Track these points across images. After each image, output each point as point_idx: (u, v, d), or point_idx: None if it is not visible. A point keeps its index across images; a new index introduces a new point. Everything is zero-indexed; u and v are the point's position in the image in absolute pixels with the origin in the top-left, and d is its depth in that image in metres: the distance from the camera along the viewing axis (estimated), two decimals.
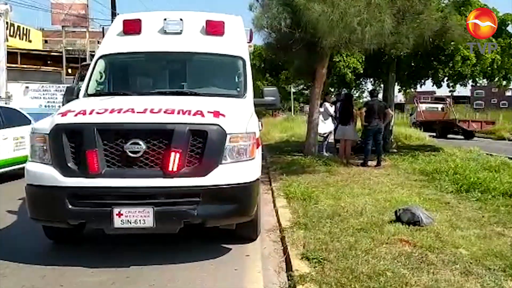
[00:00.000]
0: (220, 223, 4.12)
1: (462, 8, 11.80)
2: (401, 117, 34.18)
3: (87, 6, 22.22)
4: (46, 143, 3.76)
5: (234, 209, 3.82)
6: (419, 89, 17.06)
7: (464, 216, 5.33)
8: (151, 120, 3.75)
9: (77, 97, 4.86)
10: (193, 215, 3.65)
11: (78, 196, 3.66)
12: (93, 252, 4.27)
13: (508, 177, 7.34)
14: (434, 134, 22.03)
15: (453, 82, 13.62)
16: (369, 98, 10.75)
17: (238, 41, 5.38)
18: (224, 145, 3.75)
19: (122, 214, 3.56)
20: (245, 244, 4.44)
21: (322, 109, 11.43)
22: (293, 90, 36.68)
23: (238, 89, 4.99)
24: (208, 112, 3.87)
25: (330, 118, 11.80)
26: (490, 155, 11.25)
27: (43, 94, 17.15)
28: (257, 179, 4.09)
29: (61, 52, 20.75)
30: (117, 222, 3.57)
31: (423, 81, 14.45)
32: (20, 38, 21.57)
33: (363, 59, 14.10)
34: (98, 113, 3.84)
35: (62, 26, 22.11)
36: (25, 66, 18.65)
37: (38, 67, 19.61)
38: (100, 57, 5.21)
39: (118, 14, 13.13)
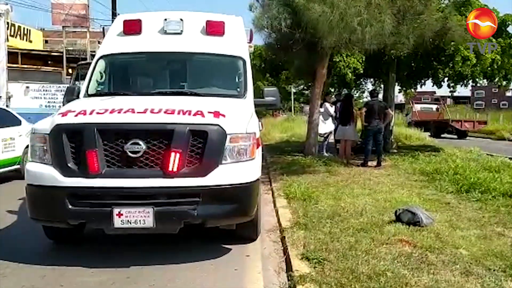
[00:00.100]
0: (220, 223, 4.12)
1: (462, 8, 11.80)
2: (401, 117, 34.27)
3: (88, 6, 22.21)
4: (47, 143, 3.76)
5: (234, 209, 3.82)
6: (419, 89, 17.06)
7: (464, 216, 5.33)
8: (151, 120, 3.75)
9: (78, 97, 4.86)
10: (193, 215, 3.65)
11: (78, 196, 3.67)
12: (93, 252, 4.28)
13: (509, 178, 7.33)
14: (429, 133, 22.30)
15: (454, 83, 13.62)
16: (369, 98, 10.75)
17: (238, 41, 5.38)
18: (224, 145, 3.75)
19: (122, 214, 3.56)
20: (245, 244, 4.44)
21: (322, 109, 11.44)
22: (293, 90, 36.64)
23: (238, 89, 4.99)
24: (208, 112, 3.87)
25: (330, 118, 11.80)
26: (491, 155, 11.24)
27: (44, 94, 17.15)
28: (257, 179, 4.09)
29: (62, 52, 20.72)
30: (117, 222, 3.57)
31: (423, 81, 14.44)
32: (20, 38, 21.56)
33: (363, 59, 14.09)
34: (98, 113, 3.84)
35: (63, 26, 22.10)
36: (25, 66, 18.64)
37: (39, 67, 19.60)
38: (101, 57, 5.21)
39: (118, 14, 13.13)
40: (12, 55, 16.63)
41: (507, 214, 5.40)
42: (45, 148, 3.78)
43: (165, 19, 5.26)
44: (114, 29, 5.50)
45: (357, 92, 21.20)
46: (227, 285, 3.58)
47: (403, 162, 10.14)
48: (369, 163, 9.72)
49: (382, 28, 8.25)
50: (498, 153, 12.60)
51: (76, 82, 10.82)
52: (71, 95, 4.91)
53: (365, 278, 3.34)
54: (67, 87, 5.36)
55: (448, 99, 58.42)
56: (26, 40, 22.04)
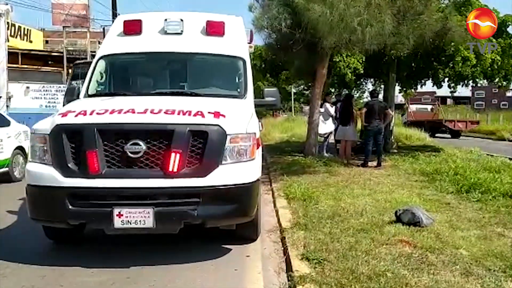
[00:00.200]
0: (220, 223, 4.12)
1: (462, 8, 11.79)
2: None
3: (88, 6, 22.22)
4: (47, 143, 3.76)
5: (234, 209, 3.82)
6: (419, 89, 17.05)
7: (464, 216, 5.33)
8: (151, 121, 3.75)
9: (78, 97, 4.86)
10: (193, 215, 3.65)
11: (78, 197, 3.67)
12: (93, 252, 4.28)
13: (509, 178, 7.33)
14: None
15: (454, 83, 13.62)
16: (369, 99, 10.75)
17: (238, 41, 5.38)
18: (224, 145, 3.75)
19: (122, 215, 3.56)
20: (245, 244, 4.44)
21: (322, 110, 11.43)
22: (293, 90, 36.65)
23: (239, 89, 4.99)
24: (209, 112, 3.87)
25: (330, 119, 11.80)
26: (491, 155, 11.24)
27: (44, 94, 17.16)
28: (257, 180, 4.09)
29: (62, 53, 20.73)
30: (117, 223, 3.57)
31: (423, 81, 14.44)
32: (21, 39, 21.58)
33: (364, 60, 14.09)
34: (98, 113, 3.84)
35: (63, 27, 22.11)
36: (26, 66, 18.65)
37: (39, 67, 19.61)
38: (101, 58, 5.21)
39: (118, 14, 13.15)
40: (13, 55, 16.64)
41: (507, 215, 5.40)
42: (45, 148, 3.78)
43: (165, 19, 5.26)
44: (114, 29, 5.50)
45: (357, 92, 21.22)
46: (227, 285, 3.58)
47: (403, 162, 10.14)
48: (369, 164, 9.72)
49: (382, 28, 8.25)
50: (497, 154, 12.59)
51: (73, 82, 10.79)
52: (71, 95, 4.91)
53: (365, 278, 3.34)
54: (67, 87, 5.37)
55: (448, 100, 58.46)
56: (27, 40, 22.05)
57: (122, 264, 3.86)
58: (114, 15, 17.19)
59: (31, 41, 22.38)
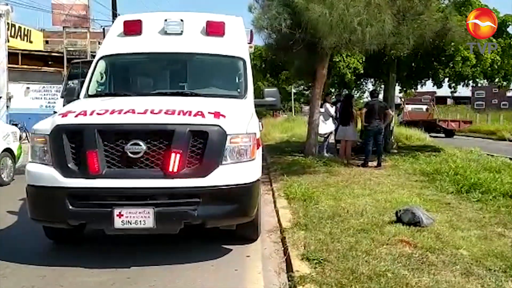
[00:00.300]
0: (221, 223, 4.12)
1: (462, 8, 11.80)
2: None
3: (88, 6, 22.23)
4: (47, 143, 3.76)
5: (234, 209, 3.82)
6: (419, 89, 17.07)
7: (464, 216, 5.33)
8: (151, 121, 3.75)
9: (78, 97, 4.86)
10: (194, 215, 3.65)
11: (78, 197, 3.67)
12: (93, 252, 4.28)
13: (509, 178, 7.32)
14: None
15: (454, 83, 13.62)
16: (369, 99, 10.75)
17: (238, 41, 5.38)
18: (224, 145, 3.75)
19: (122, 215, 3.56)
20: (246, 244, 4.44)
21: (322, 110, 11.43)
22: (293, 90, 36.67)
23: (239, 89, 4.99)
24: (209, 112, 3.87)
25: (330, 119, 11.80)
26: (491, 155, 11.24)
27: (44, 94, 17.18)
28: (258, 180, 4.09)
29: (62, 53, 20.75)
30: (118, 223, 3.57)
31: (423, 81, 14.45)
32: (21, 39, 21.61)
33: (364, 60, 14.10)
34: (98, 114, 3.84)
35: (63, 27, 22.12)
36: (26, 66, 18.66)
37: (39, 67, 19.62)
38: (101, 58, 5.21)
39: (118, 14, 13.16)
40: (13, 56, 16.65)
41: (508, 215, 5.39)
42: (45, 148, 3.78)
43: (165, 20, 5.26)
44: (114, 29, 5.50)
45: (357, 92, 21.22)
46: (228, 285, 3.58)
47: (404, 162, 10.13)
48: (370, 164, 9.72)
49: (382, 28, 8.25)
50: (497, 154, 12.58)
51: (69, 82, 10.76)
52: (71, 95, 4.91)
53: (366, 278, 3.34)
54: (67, 88, 5.37)
55: (449, 100, 58.44)
56: (27, 41, 22.08)
57: (122, 264, 3.86)
58: (114, 16, 17.20)
59: (31, 42, 22.41)
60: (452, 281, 3.34)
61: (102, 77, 5.20)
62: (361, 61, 14.45)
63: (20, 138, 9.06)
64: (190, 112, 3.84)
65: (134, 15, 5.68)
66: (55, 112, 8.85)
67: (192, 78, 5.31)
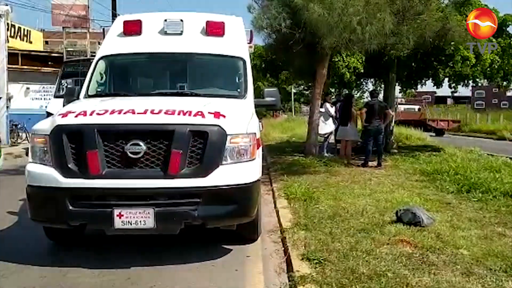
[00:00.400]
0: (221, 224, 4.11)
1: (462, 8, 11.81)
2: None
3: (88, 7, 22.21)
4: (47, 144, 3.76)
5: (234, 210, 3.82)
6: (419, 89, 17.08)
7: (465, 216, 5.33)
8: (151, 121, 3.75)
9: (78, 98, 4.86)
10: (194, 216, 3.65)
11: (78, 197, 3.66)
12: (93, 253, 4.27)
13: (509, 178, 7.33)
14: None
15: (454, 83, 13.64)
16: (369, 99, 10.76)
17: (238, 41, 5.38)
18: (224, 145, 3.75)
19: (122, 215, 3.56)
20: (246, 245, 4.44)
21: (323, 110, 11.44)
22: (293, 90, 36.70)
23: (239, 89, 4.99)
24: (209, 113, 3.87)
25: (330, 119, 11.80)
26: (491, 155, 11.24)
27: (44, 95, 17.17)
28: (258, 180, 4.09)
29: (62, 53, 20.75)
30: (118, 223, 3.57)
31: (423, 81, 14.46)
32: (21, 39, 21.58)
33: (363, 60, 14.11)
34: (98, 114, 3.84)
35: (63, 27, 22.10)
36: (25, 67, 18.65)
37: (39, 68, 19.60)
38: (101, 58, 5.21)
39: (118, 15, 13.14)
40: (13, 56, 16.64)
41: (508, 214, 5.40)
42: (45, 149, 3.77)
43: (165, 20, 5.26)
44: (114, 30, 5.50)
45: (357, 92, 21.24)
46: (228, 285, 3.58)
47: (404, 162, 10.14)
48: (370, 164, 9.72)
49: (382, 27, 8.25)
50: (497, 153, 12.57)
51: (62, 81, 10.69)
52: (71, 96, 4.91)
53: (366, 278, 3.34)
54: (68, 88, 5.37)
55: (449, 99, 58.47)
56: (26, 41, 22.06)
57: (122, 264, 3.85)
58: (114, 16, 17.18)
59: (31, 42, 22.39)
60: (453, 281, 3.33)
61: (102, 77, 5.20)
62: (361, 61, 14.46)
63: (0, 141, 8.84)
64: (190, 112, 3.84)
65: (134, 15, 5.68)
66: (47, 112, 8.82)
67: (192, 78, 5.31)
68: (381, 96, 11.93)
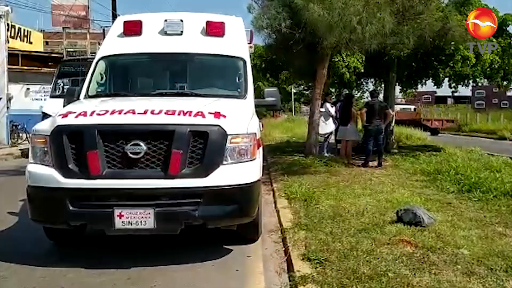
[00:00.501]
0: (221, 224, 4.11)
1: (462, 8, 11.81)
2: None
3: (88, 7, 22.24)
4: (47, 144, 3.76)
5: (235, 210, 3.81)
6: (420, 89, 17.08)
7: (465, 216, 5.32)
8: (152, 121, 3.75)
9: (78, 98, 4.86)
10: (194, 216, 3.65)
11: (79, 198, 3.66)
12: (94, 253, 4.27)
13: (510, 177, 7.32)
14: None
15: (454, 82, 13.64)
16: (369, 99, 10.76)
17: (238, 42, 5.38)
18: (225, 146, 3.75)
19: (123, 215, 3.56)
20: (246, 245, 4.44)
21: (323, 110, 11.44)
22: (293, 90, 36.70)
23: (239, 90, 4.99)
24: (209, 113, 3.87)
25: (331, 119, 11.80)
26: (491, 155, 11.23)
27: (44, 95, 17.14)
28: (258, 180, 4.09)
29: (62, 54, 20.78)
30: (118, 223, 3.57)
31: (423, 81, 14.46)
32: (21, 40, 21.59)
33: (363, 60, 14.11)
34: (99, 114, 3.84)
35: (63, 28, 22.15)
36: (26, 67, 18.65)
37: (39, 68, 19.61)
38: (101, 58, 5.21)
39: (118, 15, 13.16)
40: (13, 57, 16.63)
41: (509, 214, 5.39)
42: (45, 149, 3.77)
43: (165, 20, 5.26)
44: (114, 30, 5.50)
45: (357, 92, 21.24)
46: (229, 285, 3.58)
47: (404, 162, 10.14)
48: (370, 163, 9.72)
49: (382, 27, 8.25)
50: (498, 153, 12.57)
51: (59, 81, 10.63)
52: (71, 96, 4.91)
53: (367, 278, 3.34)
54: (68, 88, 5.39)
55: (449, 99, 58.45)
56: (27, 42, 22.07)
57: (122, 264, 3.85)
58: (114, 16, 17.19)
59: (31, 42, 22.40)
60: (453, 281, 3.33)
61: (102, 78, 5.20)
62: (361, 61, 14.45)
63: None
64: (191, 112, 3.84)
65: (134, 15, 5.68)
66: (43, 112, 8.76)
67: (192, 78, 5.31)
68: (381, 96, 11.93)
